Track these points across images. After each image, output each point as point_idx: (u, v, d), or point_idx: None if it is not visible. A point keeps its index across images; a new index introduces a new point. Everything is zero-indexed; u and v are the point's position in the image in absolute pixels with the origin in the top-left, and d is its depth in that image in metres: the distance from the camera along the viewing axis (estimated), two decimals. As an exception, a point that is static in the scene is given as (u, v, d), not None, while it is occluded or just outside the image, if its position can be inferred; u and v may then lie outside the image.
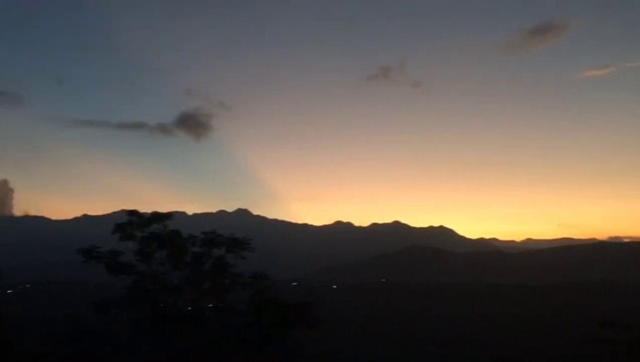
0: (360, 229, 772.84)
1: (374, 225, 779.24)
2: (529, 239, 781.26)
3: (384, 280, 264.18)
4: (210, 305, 35.69)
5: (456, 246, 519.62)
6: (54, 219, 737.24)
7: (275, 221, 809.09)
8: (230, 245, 34.89)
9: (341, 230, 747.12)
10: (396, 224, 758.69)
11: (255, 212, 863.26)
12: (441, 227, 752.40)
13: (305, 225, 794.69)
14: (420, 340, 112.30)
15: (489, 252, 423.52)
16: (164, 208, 36.84)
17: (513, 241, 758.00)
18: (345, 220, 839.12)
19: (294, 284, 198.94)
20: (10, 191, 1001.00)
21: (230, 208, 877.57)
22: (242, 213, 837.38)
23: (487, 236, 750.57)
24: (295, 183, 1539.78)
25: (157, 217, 35.52)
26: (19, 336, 35.80)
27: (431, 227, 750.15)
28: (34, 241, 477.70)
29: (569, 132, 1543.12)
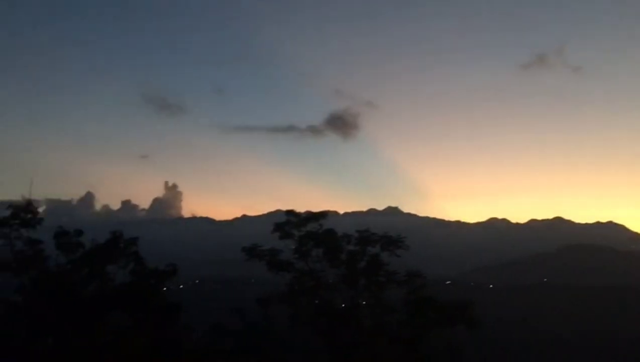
0: (517, 225, 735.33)
1: (532, 221, 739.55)
2: None
3: (545, 280, 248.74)
4: (365, 302, 36.08)
5: (628, 244, 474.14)
6: (217, 220, 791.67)
7: (427, 218, 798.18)
8: (385, 243, 35.06)
9: (496, 227, 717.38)
10: (557, 220, 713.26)
11: (405, 209, 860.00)
12: (610, 222, 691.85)
13: (457, 222, 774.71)
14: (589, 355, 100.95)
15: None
16: (316, 207, 38.07)
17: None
18: (500, 216, 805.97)
19: (448, 282, 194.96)
20: (179, 194, 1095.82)
21: (380, 206, 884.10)
22: (392, 211, 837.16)
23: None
24: (447, 179, 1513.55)
25: (312, 216, 36.67)
26: (190, 327, 38.75)
27: (598, 223, 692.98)
28: (201, 239, 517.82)
29: None
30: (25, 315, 36.49)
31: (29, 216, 37.13)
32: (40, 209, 38.20)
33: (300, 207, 37.72)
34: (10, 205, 37.04)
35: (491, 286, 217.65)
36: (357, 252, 35.38)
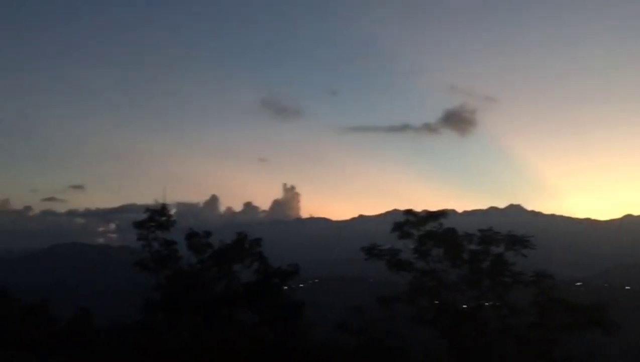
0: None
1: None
2: None
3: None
4: (488, 303, 34.95)
5: None
6: (334, 220, 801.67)
7: (552, 216, 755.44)
8: (509, 242, 33.74)
9: (632, 224, 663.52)
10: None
11: (528, 207, 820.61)
12: None
13: (587, 220, 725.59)
14: None
15: None
16: (433, 206, 37.37)
17: None
18: (636, 213, 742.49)
19: (578, 284, 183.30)
20: (297, 195, 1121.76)
21: (501, 204, 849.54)
22: (514, 209, 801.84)
23: None
24: (574, 174, 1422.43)
25: (431, 215, 36.14)
26: (311, 325, 39.55)
27: None
28: (318, 239, 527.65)
29: None
30: (162, 311, 39.24)
31: (164, 218, 39.94)
32: (172, 212, 40.92)
33: (418, 206, 37.30)
34: (148, 209, 40.08)
35: (628, 287, 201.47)
36: (479, 251, 34.35)
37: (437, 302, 35.62)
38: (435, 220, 35.80)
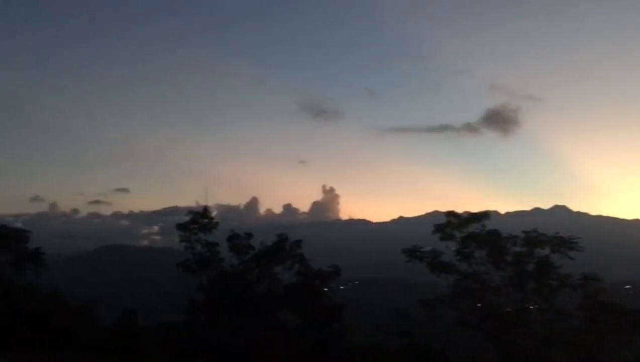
0: None
1: None
2: None
3: None
4: (534, 307, 34.24)
5: None
6: (374, 222, 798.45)
7: (599, 217, 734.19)
8: (555, 244, 32.97)
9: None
10: None
11: (574, 208, 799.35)
12: None
13: (636, 221, 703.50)
14: None
15: None
16: (474, 207, 36.87)
17: None
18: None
19: (627, 287, 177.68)
20: (337, 197, 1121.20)
21: (545, 205, 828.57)
22: (560, 209, 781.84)
23: None
24: (621, 174, 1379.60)
25: (474, 217, 35.65)
26: (352, 327, 39.49)
27: None
28: (358, 241, 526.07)
29: None
30: (205, 311, 39.82)
31: (206, 221, 40.56)
32: (213, 214, 41.52)
33: (459, 208, 36.71)
34: (190, 211, 40.76)
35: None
36: (524, 253, 33.68)
37: (480, 305, 35.11)
38: (477, 221, 35.31)
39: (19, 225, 54.45)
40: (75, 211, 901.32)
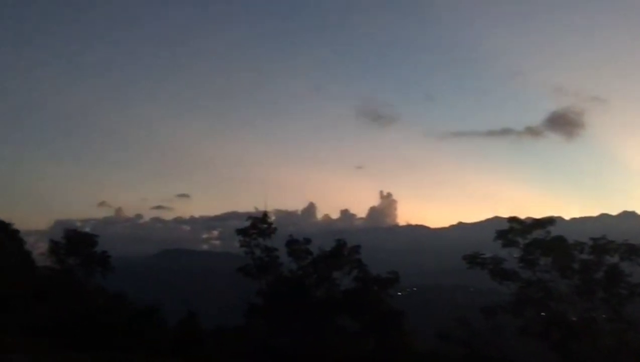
0: None
1: None
2: None
3: None
4: (602, 316, 32.87)
5: None
6: (432, 227, 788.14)
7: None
8: (626, 251, 31.60)
9: None
10: None
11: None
12: None
13: None
14: None
15: None
16: (537, 213, 35.99)
17: None
18: None
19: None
20: (394, 202, 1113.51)
21: (613, 211, 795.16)
22: (628, 216, 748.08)
23: None
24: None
25: (538, 223, 34.62)
26: (414, 333, 39.04)
27: None
28: (416, 247, 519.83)
29: None
30: (264, 316, 40.27)
31: (265, 226, 41.08)
32: (271, 220, 42.01)
33: (520, 214, 35.92)
34: (249, 216, 41.41)
35: None
36: (592, 261, 32.48)
37: (544, 314, 34.00)
38: (542, 227, 34.27)
39: (87, 229, 56.66)
40: (139, 216, 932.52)
